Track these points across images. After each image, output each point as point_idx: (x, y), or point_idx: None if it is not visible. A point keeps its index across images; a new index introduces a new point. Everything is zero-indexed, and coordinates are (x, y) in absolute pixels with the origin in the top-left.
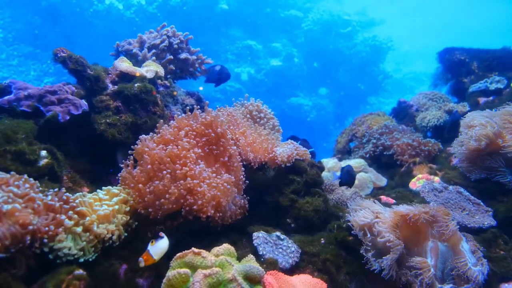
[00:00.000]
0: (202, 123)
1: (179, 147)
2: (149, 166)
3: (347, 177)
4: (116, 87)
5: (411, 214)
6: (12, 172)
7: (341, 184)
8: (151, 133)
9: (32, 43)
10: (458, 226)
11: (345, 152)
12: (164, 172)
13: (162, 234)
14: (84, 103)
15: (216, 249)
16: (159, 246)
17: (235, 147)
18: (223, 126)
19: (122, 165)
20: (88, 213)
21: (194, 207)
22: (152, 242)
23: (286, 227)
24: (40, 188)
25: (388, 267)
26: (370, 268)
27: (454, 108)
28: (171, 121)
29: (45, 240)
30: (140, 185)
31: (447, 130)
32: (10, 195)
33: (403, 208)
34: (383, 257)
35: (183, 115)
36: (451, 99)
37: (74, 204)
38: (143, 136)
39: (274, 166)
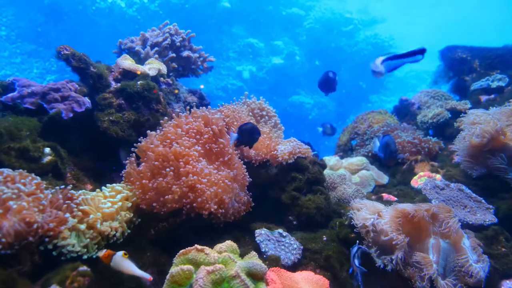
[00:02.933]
0: (200, 121)
1: (182, 147)
2: (156, 163)
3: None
4: (119, 84)
5: (412, 212)
6: (20, 170)
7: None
8: (158, 130)
9: (35, 41)
10: (459, 224)
11: (347, 150)
12: (168, 169)
13: (150, 279)
14: (87, 100)
15: (219, 246)
16: (123, 263)
17: None
18: (219, 124)
19: (125, 162)
20: (91, 211)
21: (194, 204)
22: (125, 254)
23: (288, 224)
24: (44, 186)
25: (394, 264)
26: (373, 263)
27: (456, 106)
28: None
29: (47, 239)
30: (144, 181)
31: (384, 159)
32: (15, 191)
33: (405, 205)
34: (389, 255)
35: (181, 113)
36: (453, 97)
37: (78, 202)
38: (152, 132)
39: (276, 164)
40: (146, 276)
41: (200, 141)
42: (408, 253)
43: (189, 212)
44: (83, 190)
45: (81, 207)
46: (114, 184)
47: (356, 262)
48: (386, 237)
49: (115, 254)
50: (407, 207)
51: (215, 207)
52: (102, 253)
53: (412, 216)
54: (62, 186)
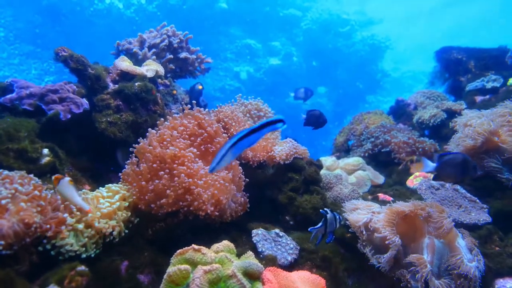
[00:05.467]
0: (195, 123)
1: (176, 149)
2: (155, 165)
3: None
4: (116, 86)
5: (407, 211)
6: (22, 172)
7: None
8: (155, 131)
9: (33, 42)
10: (453, 223)
11: (344, 151)
12: (162, 172)
13: (89, 211)
14: (85, 101)
15: (216, 246)
16: (67, 189)
17: None
18: (213, 125)
19: (124, 163)
20: (91, 209)
21: (191, 208)
22: (71, 181)
23: (285, 224)
24: (43, 186)
25: (386, 263)
26: (368, 263)
27: (451, 106)
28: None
29: (44, 241)
30: (143, 183)
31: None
32: (12, 191)
33: (400, 205)
34: (383, 255)
35: (176, 115)
36: (448, 97)
37: None
38: (152, 131)
39: (273, 164)
40: (85, 207)
41: (195, 143)
42: (403, 253)
43: (186, 214)
44: (84, 190)
45: None
46: (110, 185)
47: (320, 224)
48: (379, 235)
49: (63, 179)
50: (402, 205)
51: (212, 209)
52: (55, 176)
53: (406, 215)
54: None
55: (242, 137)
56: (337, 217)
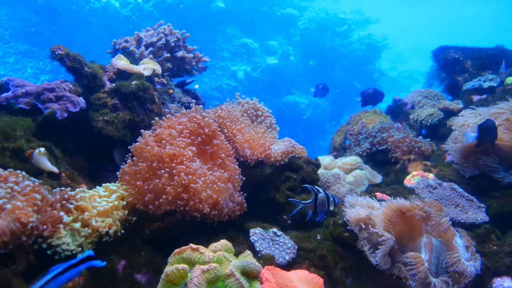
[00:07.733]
0: (196, 121)
1: (177, 148)
2: (154, 164)
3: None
4: (113, 84)
5: (405, 208)
6: (10, 169)
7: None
8: (151, 131)
9: (29, 40)
10: (451, 222)
11: (341, 150)
12: (163, 171)
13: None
14: (81, 100)
15: (213, 245)
16: (39, 158)
17: (229, 146)
18: (211, 127)
19: (121, 162)
20: (88, 208)
21: (187, 208)
22: (40, 152)
23: (283, 223)
24: (39, 186)
25: (380, 259)
26: (366, 262)
27: (448, 106)
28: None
29: (40, 240)
30: (139, 183)
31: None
32: (9, 190)
33: (400, 201)
34: (377, 251)
35: (170, 115)
36: (445, 97)
37: (74, 201)
38: (146, 132)
39: (270, 164)
40: (54, 169)
41: (195, 142)
42: (400, 252)
43: (183, 214)
44: (81, 188)
45: (79, 203)
46: (107, 184)
47: (309, 201)
48: (374, 230)
49: (34, 151)
50: (402, 202)
51: (208, 209)
52: (27, 152)
53: (404, 214)
54: (62, 188)
55: (58, 274)
56: (332, 198)
